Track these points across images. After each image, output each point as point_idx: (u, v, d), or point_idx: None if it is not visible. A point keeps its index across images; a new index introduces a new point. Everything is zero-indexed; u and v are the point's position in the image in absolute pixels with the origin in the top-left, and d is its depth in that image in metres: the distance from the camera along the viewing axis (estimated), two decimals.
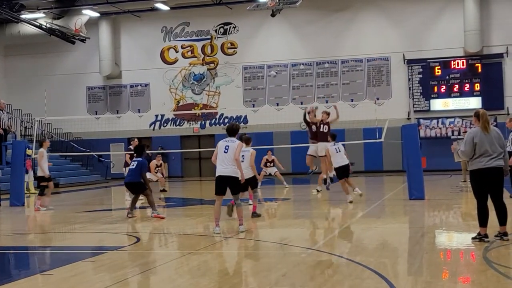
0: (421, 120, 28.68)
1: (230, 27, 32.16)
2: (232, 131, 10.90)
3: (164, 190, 21.48)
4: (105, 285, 7.21)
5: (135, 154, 14.89)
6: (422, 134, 28.04)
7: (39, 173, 16.60)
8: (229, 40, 32.17)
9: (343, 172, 15.92)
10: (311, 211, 14.70)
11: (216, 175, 10.66)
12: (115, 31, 33.20)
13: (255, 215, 13.04)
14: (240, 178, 10.69)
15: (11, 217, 15.86)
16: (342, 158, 15.93)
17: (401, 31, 30.03)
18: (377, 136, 18.72)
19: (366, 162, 29.64)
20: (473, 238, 9.21)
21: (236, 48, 32.07)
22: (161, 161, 22.65)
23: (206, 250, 9.57)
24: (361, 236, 10.64)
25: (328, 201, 16.89)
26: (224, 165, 10.55)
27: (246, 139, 13.27)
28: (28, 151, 20.00)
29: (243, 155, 12.29)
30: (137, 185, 13.77)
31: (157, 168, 21.75)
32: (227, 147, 10.59)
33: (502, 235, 9.05)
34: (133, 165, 13.85)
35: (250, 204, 13.51)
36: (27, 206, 18.39)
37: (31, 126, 29.30)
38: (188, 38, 32.64)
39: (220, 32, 32.31)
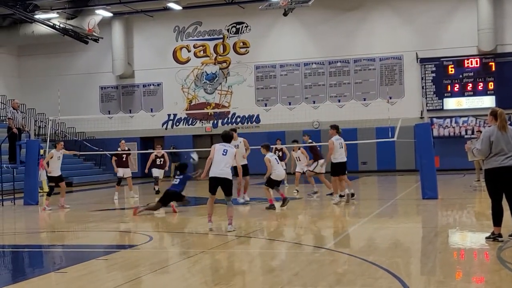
0: (434, 119, 28.54)
1: (242, 27, 32.17)
2: (228, 137, 11.51)
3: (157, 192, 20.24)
4: (118, 283, 7.24)
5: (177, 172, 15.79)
6: (435, 133, 27.92)
7: (50, 173, 16.77)
8: (241, 40, 32.18)
9: (340, 169, 15.07)
10: (323, 211, 14.67)
11: (211, 175, 11.06)
12: (128, 31, 33.31)
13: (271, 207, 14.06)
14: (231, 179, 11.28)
15: (25, 216, 15.96)
16: (342, 155, 15.25)
17: (413, 30, 29.90)
18: (390, 135, 18.66)
19: (378, 161, 29.56)
20: (487, 238, 9.16)
21: (248, 47, 32.08)
22: (162, 152, 21.49)
23: (219, 249, 9.58)
24: (374, 235, 10.60)
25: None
26: (220, 167, 10.98)
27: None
28: (42, 151, 20.13)
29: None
30: (177, 194, 14.93)
31: (158, 159, 21.12)
32: (225, 151, 11.10)
33: None
34: (176, 181, 15.14)
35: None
36: (40, 205, 18.49)
37: (45, 126, 29.51)
38: (201, 37, 32.69)
39: (232, 32, 32.33)
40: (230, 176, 11.04)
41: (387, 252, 8.80)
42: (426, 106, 24.22)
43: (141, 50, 33.32)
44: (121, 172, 19.40)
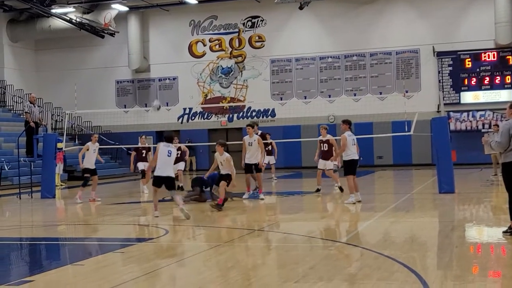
0: (451, 113, 28.34)
1: (257, 20, 32.11)
2: (170, 139, 12.96)
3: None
4: (134, 276, 7.28)
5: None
6: (452, 127, 27.72)
7: (86, 166, 16.85)
8: (257, 33, 32.13)
9: (351, 167, 14.19)
10: (338, 205, 14.64)
11: (156, 175, 12.45)
12: (144, 25, 33.39)
13: (218, 206, 13.47)
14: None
15: (42, 209, 16.08)
16: (354, 152, 14.24)
17: (430, 23, 29.68)
18: (406, 129, 18.56)
19: (394, 155, 29.43)
20: (504, 232, 9.12)
21: (263, 41, 32.03)
22: (179, 144, 19.90)
23: (234, 242, 9.60)
24: (390, 229, 10.57)
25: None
26: (164, 167, 12.37)
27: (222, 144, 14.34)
28: (59, 144, 20.27)
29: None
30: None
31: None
32: (170, 152, 12.48)
33: None
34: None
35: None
36: (58, 198, 18.64)
37: (62, 120, 29.69)
38: (216, 31, 32.68)
39: (248, 26, 32.29)
40: (173, 175, 12.71)
41: (403, 246, 8.76)
42: (443, 100, 24.02)
43: (157, 44, 33.39)
44: (141, 165, 19.23)
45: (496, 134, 9.20)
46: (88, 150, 16.84)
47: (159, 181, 12.43)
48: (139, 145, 19.66)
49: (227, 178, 13.83)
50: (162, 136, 14.26)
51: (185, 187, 18.52)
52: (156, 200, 12.76)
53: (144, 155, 19.47)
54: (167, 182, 12.38)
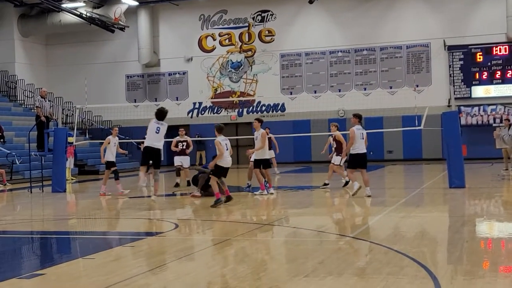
0: (462, 108, 28.21)
1: (267, 15, 32.06)
2: (160, 114, 13.40)
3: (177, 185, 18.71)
4: (144, 270, 7.31)
5: None
6: (463, 121, 27.61)
7: (108, 159, 16.90)
8: (267, 28, 32.08)
9: (356, 161, 14.16)
10: (348, 199, 14.62)
11: (146, 145, 13.31)
12: (154, 20, 33.42)
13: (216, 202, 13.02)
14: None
15: (53, 203, 16.16)
16: (362, 146, 14.13)
17: (441, 17, 29.52)
18: (417, 124, 18.49)
19: (405, 150, 29.35)
20: None
21: (273, 35, 31.98)
22: (185, 136, 19.47)
23: (243, 237, 9.61)
24: (400, 224, 10.55)
25: (365, 189, 16.76)
26: (154, 140, 13.05)
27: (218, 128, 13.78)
28: (70, 139, 20.35)
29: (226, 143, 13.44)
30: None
31: (181, 144, 19.14)
32: (158, 128, 13.09)
33: None
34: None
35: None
36: (68, 192, 18.72)
37: (72, 114, 29.81)
38: (226, 26, 32.66)
39: (258, 20, 32.24)
40: (161, 147, 13.09)
41: (413, 241, 8.74)
42: (454, 94, 23.95)
43: (167, 39, 33.41)
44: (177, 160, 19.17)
45: (507, 128, 9.23)
46: (109, 143, 16.95)
47: (148, 153, 13.14)
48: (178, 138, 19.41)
49: (213, 170, 13.34)
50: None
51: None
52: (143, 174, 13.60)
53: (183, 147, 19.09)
54: (155, 157, 13.03)
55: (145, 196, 15.13)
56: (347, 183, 16.43)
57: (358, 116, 14.41)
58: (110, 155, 16.93)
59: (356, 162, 14.17)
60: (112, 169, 16.97)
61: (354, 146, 14.09)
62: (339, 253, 8.00)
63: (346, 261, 7.52)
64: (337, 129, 16.91)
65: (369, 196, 13.94)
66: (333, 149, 17.01)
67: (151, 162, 13.64)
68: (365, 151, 14.24)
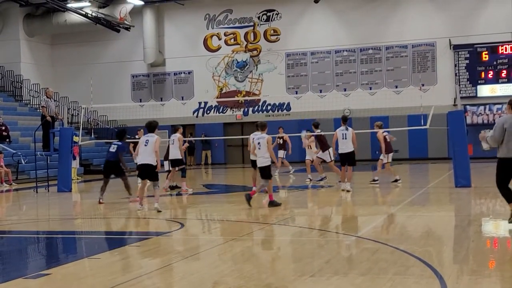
0: (468, 107, 28.14)
1: (273, 14, 32.05)
2: (151, 127, 12.98)
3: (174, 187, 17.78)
4: (150, 269, 7.31)
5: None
6: (468, 121, 27.53)
7: (175, 157, 16.68)
8: (272, 27, 32.07)
9: (344, 159, 15.36)
10: (354, 198, 14.60)
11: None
12: (159, 19, 33.45)
13: (272, 204, 12.75)
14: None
15: (59, 203, 16.20)
16: (343, 146, 15.25)
17: (447, 16, 29.45)
18: (422, 123, 18.45)
19: (410, 149, 29.29)
20: (510, 220, 9.34)
21: (279, 35, 31.96)
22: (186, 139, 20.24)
23: (249, 236, 9.61)
24: (406, 223, 10.53)
25: (371, 188, 16.76)
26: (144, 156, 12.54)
27: (261, 126, 13.36)
28: (75, 138, 20.38)
29: (259, 142, 12.83)
30: (115, 165, 14.70)
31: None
32: (147, 141, 12.58)
33: None
34: (113, 148, 14.72)
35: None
36: (74, 192, 18.75)
37: (78, 114, 29.86)
38: (231, 25, 32.66)
39: (263, 19, 32.23)
40: (153, 163, 12.52)
41: (419, 241, 8.73)
42: (460, 93, 23.87)
43: (172, 38, 33.44)
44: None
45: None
46: (181, 141, 16.91)
47: (139, 169, 12.86)
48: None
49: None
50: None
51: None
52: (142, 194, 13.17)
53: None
54: (148, 172, 12.67)
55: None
56: (396, 180, 17.35)
57: (343, 119, 15.74)
58: (179, 153, 16.68)
59: (343, 160, 15.38)
60: (181, 166, 16.81)
61: (339, 147, 15.37)
62: (345, 253, 7.99)
63: (352, 260, 7.51)
64: (379, 129, 17.68)
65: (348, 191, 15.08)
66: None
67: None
68: (346, 151, 15.18)
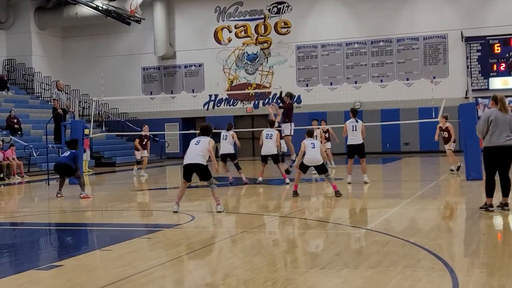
0: (480, 99, 27.98)
1: (283, 6, 31.97)
2: (206, 131, 11.41)
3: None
4: (161, 261, 7.35)
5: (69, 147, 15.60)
6: (480, 113, 27.32)
7: (229, 151, 17.16)
8: (283, 20, 31.99)
9: (353, 151, 15.62)
10: (364, 191, 14.58)
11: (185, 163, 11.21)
12: (170, 12, 33.45)
13: (295, 194, 13.18)
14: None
15: (70, 195, 16.27)
16: (356, 137, 15.39)
17: (458, 8, 29.26)
18: (433, 116, 18.38)
19: (421, 142, 29.18)
20: (480, 208, 10.24)
21: (289, 27, 31.89)
22: (147, 133, 21.91)
23: (260, 229, 9.63)
24: (416, 216, 10.51)
25: (382, 181, 16.73)
26: (193, 156, 11.09)
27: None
28: (86, 131, 20.46)
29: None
30: (66, 167, 14.78)
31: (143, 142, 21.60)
32: (198, 141, 11.17)
33: (504, 205, 10.14)
34: (66, 153, 15.04)
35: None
36: (85, 184, 18.80)
37: (89, 106, 29.97)
38: (242, 18, 32.62)
39: (274, 12, 32.16)
40: (204, 163, 11.10)
41: (429, 234, 8.71)
42: (471, 85, 23.73)
43: (183, 31, 33.44)
44: (139, 155, 21.21)
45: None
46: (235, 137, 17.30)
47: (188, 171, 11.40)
48: (142, 133, 21.26)
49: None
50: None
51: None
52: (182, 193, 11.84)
53: (144, 142, 21.41)
54: (199, 171, 11.28)
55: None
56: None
57: (352, 111, 15.79)
58: (232, 148, 17.18)
59: (351, 151, 15.53)
60: (235, 161, 17.20)
61: (348, 138, 15.55)
62: (355, 246, 7.99)
63: (362, 253, 7.51)
64: (446, 120, 18.06)
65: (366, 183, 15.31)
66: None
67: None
68: (355, 143, 15.38)
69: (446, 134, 18.14)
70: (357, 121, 15.46)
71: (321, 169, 13.22)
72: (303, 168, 13.28)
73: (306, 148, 13.16)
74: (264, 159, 16.46)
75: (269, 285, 6.09)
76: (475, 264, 6.82)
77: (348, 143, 15.63)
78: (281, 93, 18.95)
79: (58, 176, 15.62)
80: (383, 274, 6.43)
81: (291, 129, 17.60)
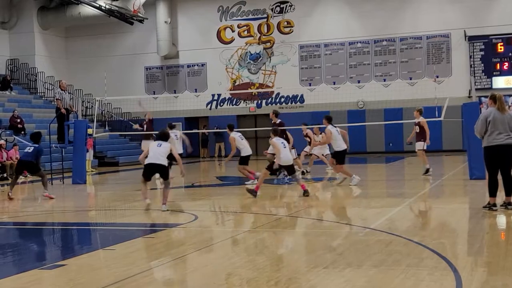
0: (483, 99, 27.87)
1: (286, 6, 31.96)
2: (164, 137, 11.87)
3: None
4: (164, 261, 7.35)
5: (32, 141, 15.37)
6: None
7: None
8: (286, 19, 31.98)
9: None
10: (368, 191, 14.57)
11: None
12: (172, 12, 33.47)
13: (306, 193, 13.04)
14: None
15: (73, 195, 16.31)
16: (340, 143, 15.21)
17: (462, 7, 29.22)
18: (437, 115, 18.35)
19: None
20: (483, 207, 10.15)
21: (292, 26, 31.88)
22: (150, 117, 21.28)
23: (263, 228, 9.63)
24: (420, 215, 10.50)
25: (385, 180, 16.71)
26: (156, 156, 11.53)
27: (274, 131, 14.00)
28: (89, 131, 20.48)
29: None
30: (29, 164, 14.62)
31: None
32: (160, 144, 11.63)
33: (507, 204, 10.08)
34: (29, 149, 14.68)
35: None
36: (88, 184, 18.86)
37: (92, 106, 30.00)
38: (245, 17, 32.62)
39: (276, 11, 32.16)
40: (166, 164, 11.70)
41: (433, 233, 8.70)
42: (475, 85, 23.74)
43: (186, 31, 33.46)
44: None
45: None
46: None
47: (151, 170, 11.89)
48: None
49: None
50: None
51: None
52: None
53: None
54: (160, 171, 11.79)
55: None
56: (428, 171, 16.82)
57: (327, 118, 15.50)
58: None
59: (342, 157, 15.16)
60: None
61: (336, 144, 15.04)
62: (359, 245, 7.98)
63: (365, 252, 7.50)
64: (420, 115, 17.30)
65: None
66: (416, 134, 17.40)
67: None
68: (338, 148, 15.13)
69: (418, 129, 17.30)
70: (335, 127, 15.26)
71: (291, 169, 13.39)
72: (272, 168, 13.56)
73: (279, 148, 13.25)
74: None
75: (272, 284, 6.08)
76: (478, 263, 6.81)
77: (339, 149, 15.20)
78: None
79: (14, 173, 15.27)
80: (386, 273, 6.42)
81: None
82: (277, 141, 13.40)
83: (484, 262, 6.84)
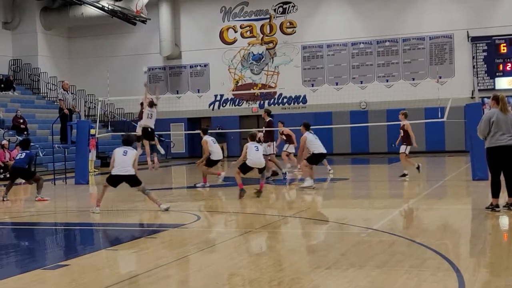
0: (486, 99, 27.84)
1: (289, 6, 31.96)
2: (129, 141, 11.87)
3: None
4: (167, 261, 7.36)
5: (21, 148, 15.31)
6: None
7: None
8: (288, 20, 31.98)
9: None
10: (370, 191, 14.57)
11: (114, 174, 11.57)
12: (175, 12, 33.48)
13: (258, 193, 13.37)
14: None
15: (76, 195, 16.32)
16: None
17: (465, 7, 29.19)
18: (439, 116, 18.35)
19: (427, 142, 29.10)
20: (486, 208, 10.15)
21: (295, 27, 31.87)
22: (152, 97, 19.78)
23: (265, 229, 9.63)
24: (422, 216, 10.49)
25: (387, 181, 16.70)
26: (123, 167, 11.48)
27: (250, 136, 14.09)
28: (92, 131, 20.49)
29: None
30: (22, 170, 14.51)
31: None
32: (125, 152, 11.57)
33: (510, 205, 10.11)
34: (21, 155, 14.59)
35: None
36: (91, 184, 18.88)
37: (95, 107, 30.02)
38: (247, 18, 32.62)
39: (279, 12, 32.16)
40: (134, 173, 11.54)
41: (435, 234, 8.69)
42: (477, 85, 23.69)
43: (188, 31, 33.47)
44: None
45: None
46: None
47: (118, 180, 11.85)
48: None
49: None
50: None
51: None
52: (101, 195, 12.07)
53: None
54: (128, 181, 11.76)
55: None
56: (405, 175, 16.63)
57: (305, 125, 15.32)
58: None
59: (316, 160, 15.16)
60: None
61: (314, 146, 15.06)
62: (361, 245, 7.98)
63: (368, 253, 7.50)
64: (405, 118, 17.09)
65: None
66: (400, 138, 17.14)
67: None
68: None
69: (402, 133, 17.02)
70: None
71: (261, 170, 13.71)
72: (244, 169, 13.70)
73: (248, 151, 13.55)
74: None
75: (274, 284, 6.09)
76: (481, 264, 6.80)
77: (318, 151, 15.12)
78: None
79: (9, 178, 15.23)
80: (389, 274, 6.42)
81: (274, 148, 17.64)
82: (250, 145, 13.65)
83: (487, 263, 6.83)
